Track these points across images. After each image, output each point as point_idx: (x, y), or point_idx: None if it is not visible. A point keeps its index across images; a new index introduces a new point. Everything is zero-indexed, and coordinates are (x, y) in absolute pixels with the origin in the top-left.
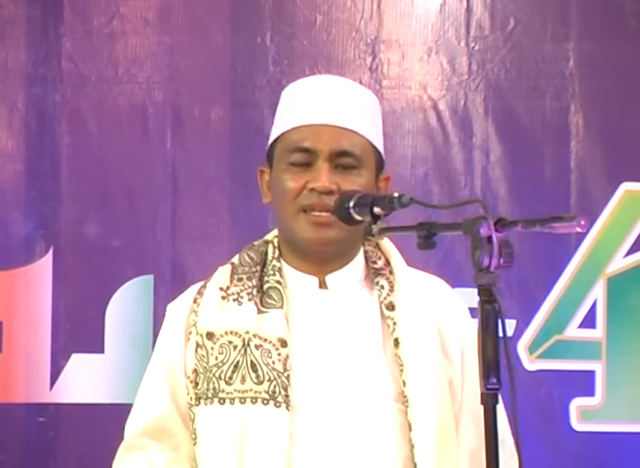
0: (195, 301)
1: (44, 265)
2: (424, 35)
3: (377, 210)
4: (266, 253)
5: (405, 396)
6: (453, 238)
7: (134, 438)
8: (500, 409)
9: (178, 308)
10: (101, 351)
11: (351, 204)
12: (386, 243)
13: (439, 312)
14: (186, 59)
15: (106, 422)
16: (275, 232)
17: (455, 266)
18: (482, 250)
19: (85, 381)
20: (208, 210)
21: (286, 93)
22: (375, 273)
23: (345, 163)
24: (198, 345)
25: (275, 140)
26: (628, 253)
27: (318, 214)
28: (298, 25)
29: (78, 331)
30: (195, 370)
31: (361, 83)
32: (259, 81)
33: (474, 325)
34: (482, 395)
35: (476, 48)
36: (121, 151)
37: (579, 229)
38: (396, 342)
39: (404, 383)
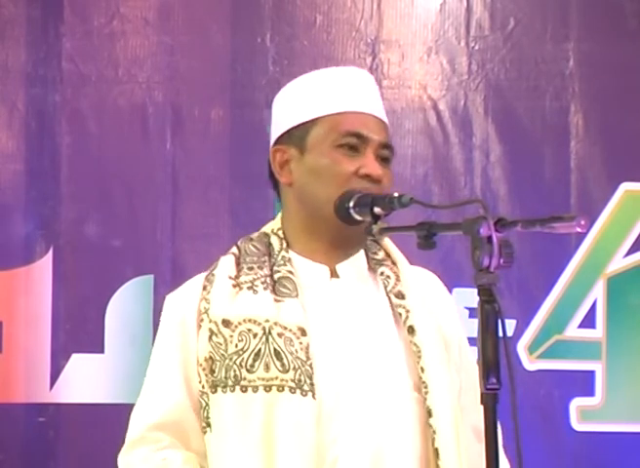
0: (205, 288)
1: (44, 265)
2: (424, 35)
3: (377, 210)
4: (270, 245)
5: (424, 382)
6: (453, 238)
7: (146, 430)
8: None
9: (184, 297)
10: (101, 351)
11: (351, 204)
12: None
13: (436, 306)
14: (186, 59)
15: (106, 422)
16: (275, 224)
17: (455, 266)
18: (482, 250)
19: (85, 381)
20: (208, 210)
21: (315, 77)
22: (377, 264)
23: (386, 155)
24: (213, 333)
25: (309, 121)
26: (628, 253)
27: None
28: (298, 25)
29: (78, 331)
30: (210, 358)
31: None
32: (259, 81)
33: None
34: (482, 395)
35: (476, 48)
36: (121, 151)
37: (579, 229)
38: (411, 330)
39: (422, 370)
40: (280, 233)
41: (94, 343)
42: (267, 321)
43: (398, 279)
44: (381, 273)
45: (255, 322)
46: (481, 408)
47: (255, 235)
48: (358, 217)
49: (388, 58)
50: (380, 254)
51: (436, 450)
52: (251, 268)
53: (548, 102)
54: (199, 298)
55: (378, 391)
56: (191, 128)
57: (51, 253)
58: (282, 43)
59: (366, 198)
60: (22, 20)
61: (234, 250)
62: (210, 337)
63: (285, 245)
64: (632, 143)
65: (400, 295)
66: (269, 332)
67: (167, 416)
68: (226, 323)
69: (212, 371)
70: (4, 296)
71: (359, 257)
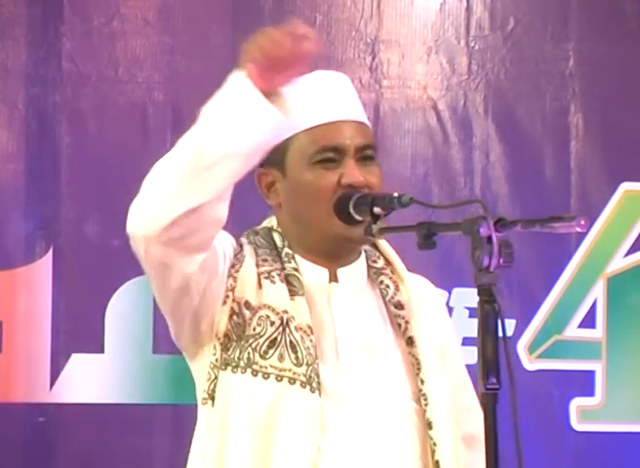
0: (233, 267)
1: (44, 265)
2: (424, 35)
3: (377, 210)
4: (273, 241)
5: (424, 394)
6: (453, 238)
7: None
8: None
9: (232, 249)
10: (101, 351)
11: (351, 204)
12: (384, 243)
13: (431, 311)
14: (186, 59)
15: (106, 422)
16: (272, 222)
17: (455, 266)
18: (482, 250)
19: (85, 381)
20: None
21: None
22: (376, 273)
23: (367, 155)
24: (234, 312)
25: (285, 141)
26: (628, 253)
27: None
28: None
29: (78, 331)
30: (227, 336)
31: (361, 83)
32: None
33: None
34: (482, 395)
35: (476, 48)
36: (121, 151)
37: (579, 229)
38: (410, 341)
39: (422, 382)
40: (280, 230)
41: (94, 343)
42: (286, 312)
43: (397, 288)
44: (381, 282)
45: (273, 310)
46: (479, 410)
47: (259, 228)
48: (358, 217)
49: (388, 58)
50: (380, 263)
51: (437, 463)
52: (265, 260)
53: (548, 102)
54: (228, 274)
55: (377, 399)
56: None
57: (51, 252)
58: None
59: (366, 198)
60: (22, 20)
61: (249, 238)
62: (231, 316)
63: (287, 242)
64: (632, 143)
65: (399, 306)
66: (287, 324)
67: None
68: (248, 305)
69: (226, 349)
70: (4, 296)
71: (360, 265)
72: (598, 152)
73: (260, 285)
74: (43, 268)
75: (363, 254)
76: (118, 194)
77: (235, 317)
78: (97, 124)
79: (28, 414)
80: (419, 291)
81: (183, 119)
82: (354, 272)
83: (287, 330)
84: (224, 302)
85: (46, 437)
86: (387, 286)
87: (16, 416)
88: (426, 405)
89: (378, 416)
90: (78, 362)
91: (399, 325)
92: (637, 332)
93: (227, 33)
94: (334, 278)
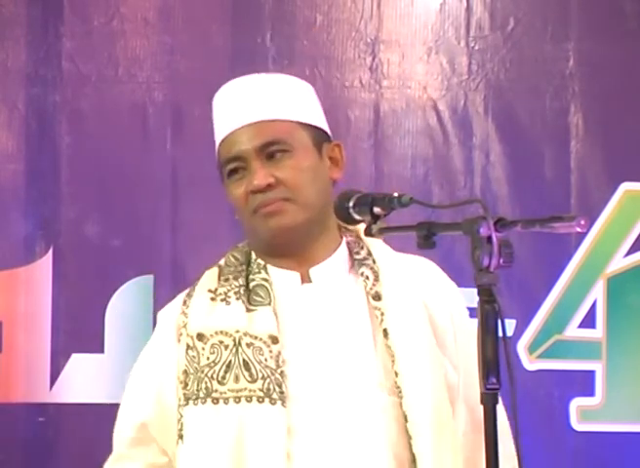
0: (184, 303)
1: (44, 265)
2: (424, 35)
3: (376, 209)
4: (250, 253)
5: (398, 387)
6: (453, 238)
7: (125, 447)
8: (500, 409)
9: (167, 313)
10: (101, 351)
11: (351, 204)
12: None
13: (429, 296)
14: (186, 59)
15: (106, 422)
16: None
17: (455, 266)
18: (482, 249)
19: (85, 381)
20: (208, 210)
21: (214, 107)
22: (358, 264)
23: (274, 151)
24: (189, 347)
25: (217, 158)
26: (628, 253)
27: (265, 207)
28: (298, 25)
29: (78, 330)
30: (185, 372)
31: (361, 83)
32: None
33: (464, 307)
34: (482, 395)
35: (476, 48)
36: (121, 151)
37: (579, 229)
38: (385, 333)
39: (396, 374)
40: None
41: (94, 343)
42: (237, 331)
43: (377, 279)
44: (362, 273)
45: (226, 334)
46: (481, 407)
47: (240, 244)
48: (358, 217)
49: (388, 59)
50: (362, 253)
51: (414, 456)
52: (227, 280)
53: (548, 102)
54: (179, 313)
55: (350, 396)
56: (191, 128)
57: (51, 253)
58: (282, 43)
59: (365, 198)
60: (22, 20)
61: (221, 261)
62: (186, 351)
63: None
64: (632, 143)
65: (377, 297)
66: (239, 343)
67: (141, 433)
68: (200, 336)
69: (185, 385)
70: (4, 296)
71: (337, 259)
72: (598, 152)
73: (213, 310)
74: (43, 268)
75: (343, 247)
76: (118, 194)
77: (190, 351)
78: (97, 124)
79: (28, 414)
80: (406, 277)
81: (183, 119)
82: (329, 268)
83: (239, 349)
84: (179, 341)
85: (46, 437)
86: (367, 277)
87: (16, 416)
88: (402, 397)
89: (348, 414)
90: (78, 362)
91: (376, 316)
92: (637, 332)
93: (227, 33)
94: (307, 279)
